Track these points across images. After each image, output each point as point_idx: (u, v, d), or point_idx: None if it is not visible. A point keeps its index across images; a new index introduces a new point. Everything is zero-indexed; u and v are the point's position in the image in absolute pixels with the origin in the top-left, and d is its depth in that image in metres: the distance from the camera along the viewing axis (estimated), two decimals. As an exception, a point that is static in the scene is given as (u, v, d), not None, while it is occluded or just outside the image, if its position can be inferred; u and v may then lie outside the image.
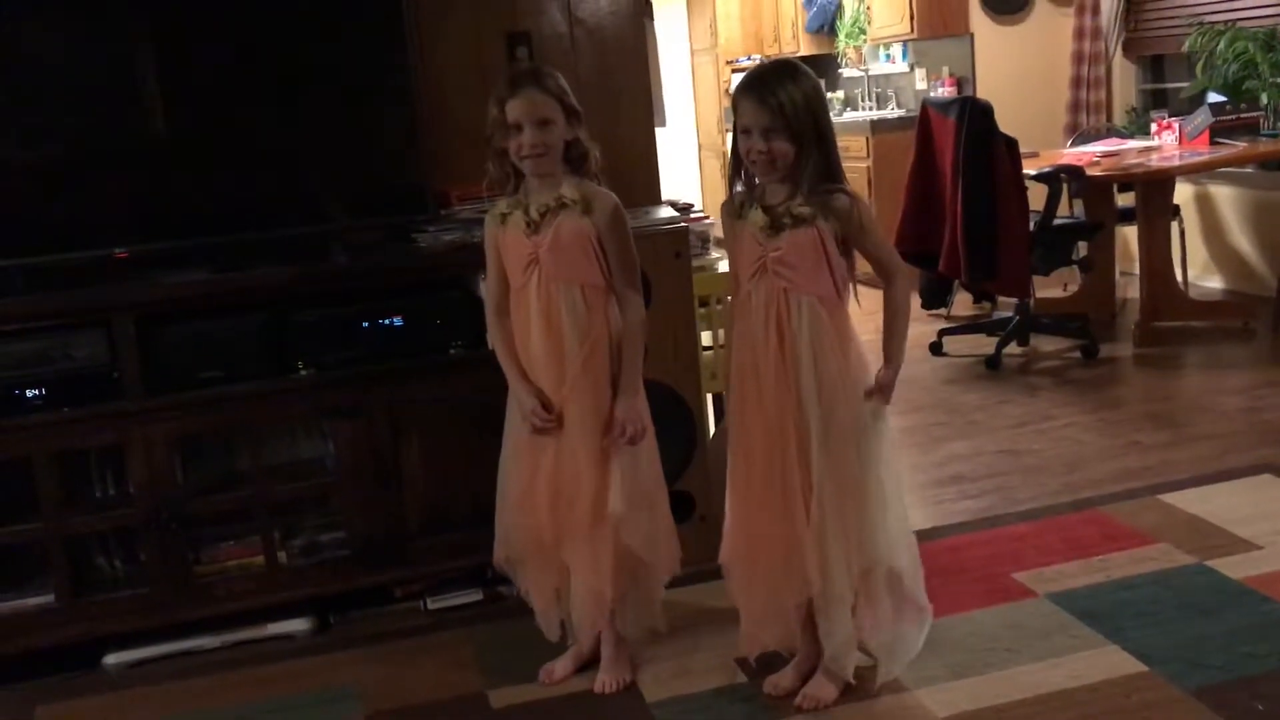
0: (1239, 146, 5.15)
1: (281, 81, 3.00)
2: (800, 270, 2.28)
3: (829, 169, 2.27)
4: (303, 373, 2.92)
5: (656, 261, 3.03)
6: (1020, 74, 6.72)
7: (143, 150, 2.95)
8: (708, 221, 3.94)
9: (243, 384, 2.89)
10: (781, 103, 2.21)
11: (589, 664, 2.65)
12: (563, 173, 2.45)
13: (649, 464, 2.55)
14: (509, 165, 2.43)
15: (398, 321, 2.94)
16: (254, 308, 2.92)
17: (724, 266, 3.97)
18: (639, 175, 3.41)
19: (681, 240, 3.08)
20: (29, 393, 2.78)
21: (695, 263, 3.47)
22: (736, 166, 2.35)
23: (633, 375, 2.50)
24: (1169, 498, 3.34)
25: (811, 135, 2.23)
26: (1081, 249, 5.34)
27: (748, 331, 2.37)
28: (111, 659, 2.92)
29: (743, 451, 2.41)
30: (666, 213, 3.27)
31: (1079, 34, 6.49)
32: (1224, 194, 5.79)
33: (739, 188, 2.38)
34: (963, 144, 4.70)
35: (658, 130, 3.59)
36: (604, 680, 2.59)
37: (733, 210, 2.38)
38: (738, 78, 9.00)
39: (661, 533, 2.57)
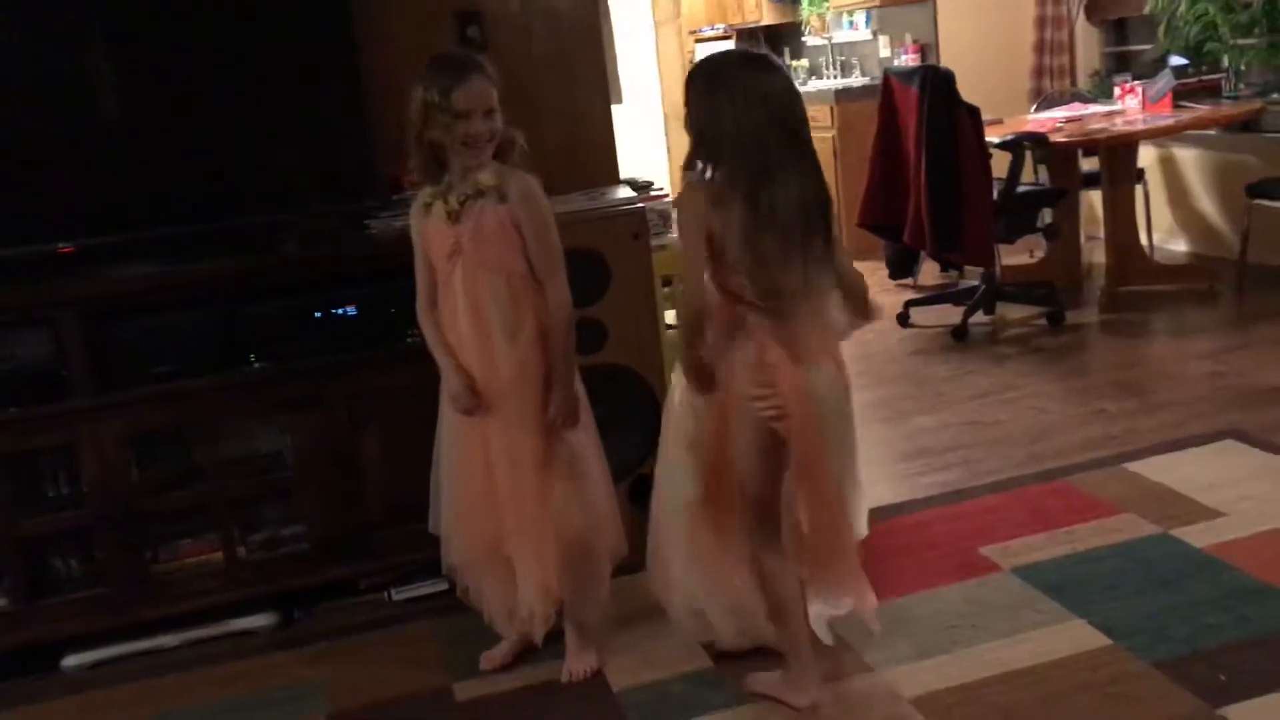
0: (1201, 109, 5.14)
1: (227, 68, 2.94)
2: None
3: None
4: (256, 366, 2.87)
5: (614, 243, 2.99)
6: (984, 39, 6.68)
7: (86, 142, 2.88)
8: (668, 200, 3.90)
9: (195, 379, 2.84)
10: None
11: (529, 651, 2.64)
12: (487, 160, 2.41)
13: (585, 448, 2.53)
14: (433, 154, 2.38)
15: (351, 311, 2.89)
16: (204, 301, 2.86)
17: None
18: (596, 154, 3.37)
19: (639, 221, 3.03)
20: (-27, 393, 2.73)
21: (657, 242, 3.42)
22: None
23: (562, 366, 2.46)
24: (1134, 466, 3.34)
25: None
26: (1046, 216, 5.32)
27: None
28: (71, 661, 2.88)
29: None
30: (624, 193, 3.23)
31: (1041, -3, 6.46)
32: (1187, 157, 5.79)
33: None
34: (925, 113, 4.67)
35: (615, 107, 3.54)
36: (571, 669, 2.57)
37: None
38: (701, 49, 8.94)
39: (604, 516, 2.55)
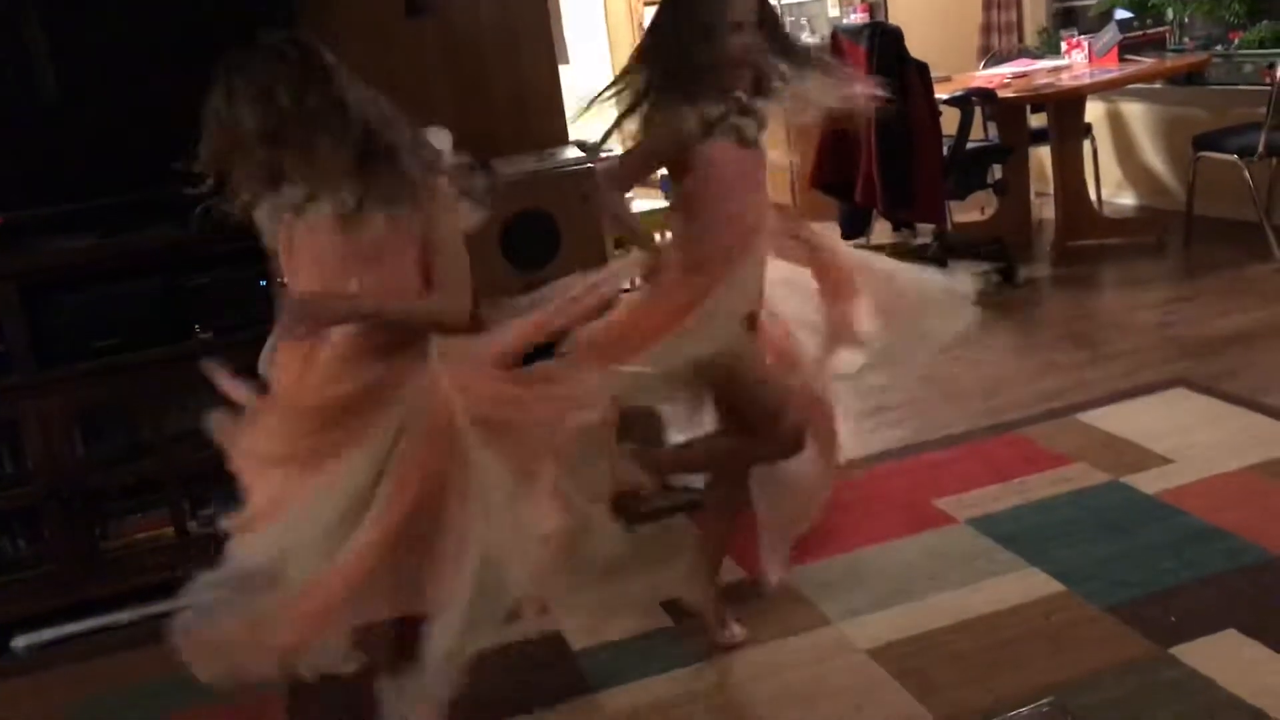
0: (1147, 62, 5.17)
1: (166, 34, 2.87)
2: None
3: None
4: (201, 337, 2.82)
5: (564, 204, 2.97)
6: (934, -4, 6.67)
7: (20, 110, 2.81)
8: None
9: (139, 351, 2.79)
10: None
11: None
12: None
13: None
14: None
15: (297, 279, 2.84)
16: (146, 272, 2.81)
17: (639, 205, 3.91)
18: (544, 115, 3.34)
19: (589, 182, 3.01)
20: (-91, 371, 2.66)
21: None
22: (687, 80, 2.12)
23: None
24: (1086, 417, 3.37)
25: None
26: (996, 172, 5.34)
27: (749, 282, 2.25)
28: (21, 641, 2.83)
29: None
30: (573, 154, 3.20)
31: (989, -47, 6.46)
32: (1134, 111, 5.83)
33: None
34: (874, 71, 4.65)
35: (564, 68, 3.51)
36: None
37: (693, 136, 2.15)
38: (650, 11, 8.78)
39: None
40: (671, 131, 2.15)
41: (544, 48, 3.34)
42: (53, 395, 2.74)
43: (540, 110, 3.32)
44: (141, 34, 2.86)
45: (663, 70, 2.15)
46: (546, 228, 2.96)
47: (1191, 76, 5.37)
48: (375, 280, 1.87)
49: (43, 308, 2.72)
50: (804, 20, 7.61)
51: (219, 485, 2.97)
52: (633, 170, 2.30)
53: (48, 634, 2.84)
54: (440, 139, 2.99)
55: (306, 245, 1.91)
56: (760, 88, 2.20)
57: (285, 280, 2.01)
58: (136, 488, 2.93)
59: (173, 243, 2.81)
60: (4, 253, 2.74)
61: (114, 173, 2.85)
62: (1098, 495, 2.89)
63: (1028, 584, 2.52)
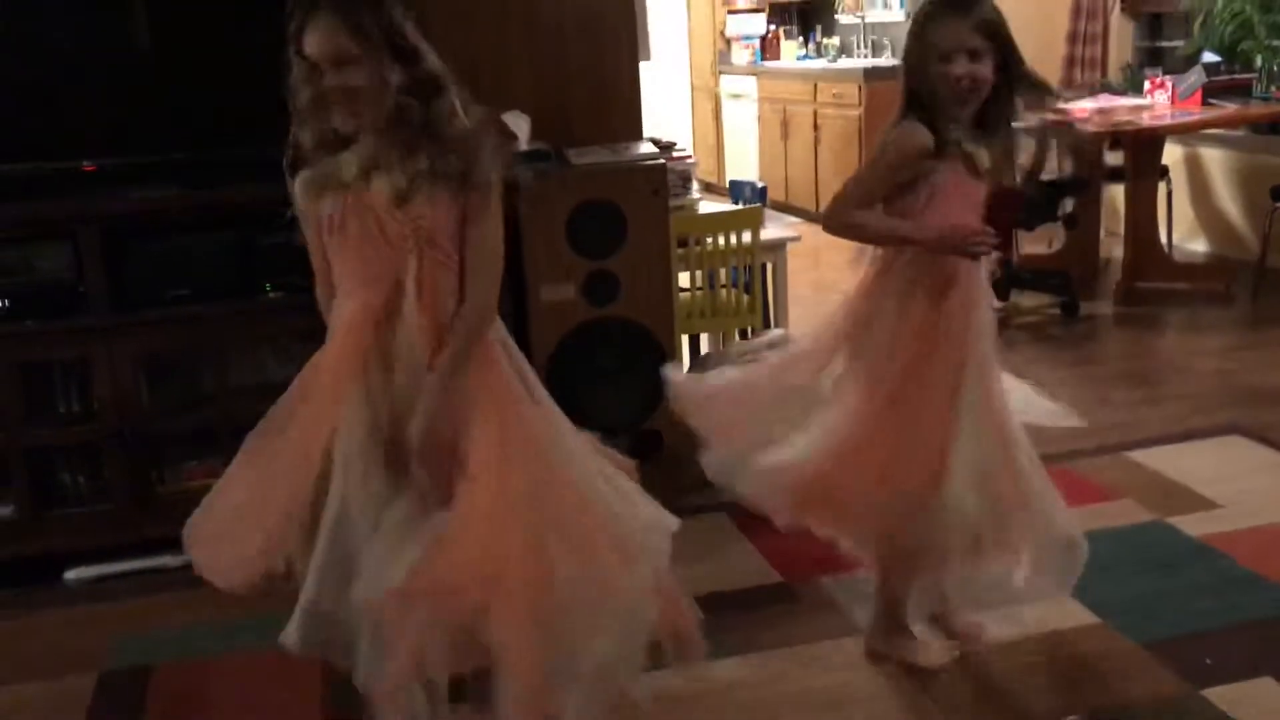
0: (1230, 108, 5.11)
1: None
2: None
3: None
4: (271, 295, 2.89)
5: (633, 197, 3.01)
6: (1017, 26, 6.43)
7: (115, 61, 2.90)
8: (690, 161, 3.91)
9: (210, 304, 2.87)
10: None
11: None
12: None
13: None
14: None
15: (369, 247, 2.90)
16: (224, 226, 2.89)
17: (706, 207, 3.93)
18: (621, 109, 3.37)
19: (659, 177, 3.04)
20: (-8, 303, 2.76)
21: (675, 202, 3.44)
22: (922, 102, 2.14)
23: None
24: (1136, 455, 3.35)
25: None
26: (1068, 205, 5.31)
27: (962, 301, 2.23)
28: (73, 574, 2.92)
29: None
30: (646, 149, 3.24)
31: (1078, -12, 6.41)
32: (1213, 156, 5.76)
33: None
34: (953, 93, 4.64)
35: (644, 65, 3.54)
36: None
37: (927, 151, 2.13)
38: (734, 20, 8.83)
39: None
40: (913, 145, 2.12)
41: (628, 41, 3.38)
42: (124, 339, 2.82)
43: (619, 104, 3.35)
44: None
45: (907, 90, 2.16)
46: (614, 219, 3.00)
47: (1275, 126, 5.30)
48: (430, 261, 1.87)
49: (122, 254, 2.81)
50: (886, 40, 7.61)
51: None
52: (874, 186, 2.20)
53: (100, 569, 2.92)
54: (518, 124, 3.07)
55: (359, 220, 1.89)
56: (985, 120, 2.19)
57: (331, 256, 2.01)
58: (196, 436, 3.00)
59: (253, 200, 2.87)
60: (89, 198, 2.82)
61: (202, 128, 2.93)
62: (1141, 533, 2.88)
63: (1063, 613, 2.51)
